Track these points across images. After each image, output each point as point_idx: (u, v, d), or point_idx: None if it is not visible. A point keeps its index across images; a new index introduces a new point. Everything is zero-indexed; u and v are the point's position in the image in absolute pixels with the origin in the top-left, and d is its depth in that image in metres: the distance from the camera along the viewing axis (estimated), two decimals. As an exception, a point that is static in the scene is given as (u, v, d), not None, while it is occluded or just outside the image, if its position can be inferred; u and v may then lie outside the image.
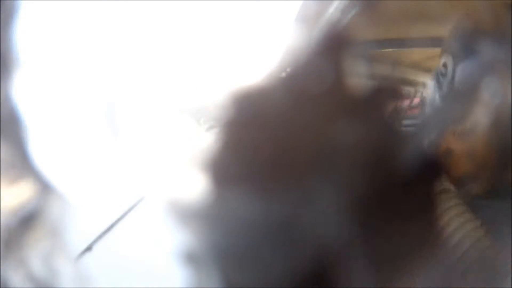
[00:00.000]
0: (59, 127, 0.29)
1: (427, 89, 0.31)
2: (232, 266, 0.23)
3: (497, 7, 0.27)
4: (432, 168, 0.23)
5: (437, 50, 0.32)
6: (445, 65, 0.30)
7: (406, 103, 0.32)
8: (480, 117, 0.29)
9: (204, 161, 0.23)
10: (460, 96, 0.29)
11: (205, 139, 0.26)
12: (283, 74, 0.23)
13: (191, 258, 0.24)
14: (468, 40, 0.28)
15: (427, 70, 0.32)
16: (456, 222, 0.34)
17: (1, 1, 0.28)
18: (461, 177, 0.33)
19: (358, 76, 0.25)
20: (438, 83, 0.31)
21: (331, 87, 0.23)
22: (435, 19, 0.29)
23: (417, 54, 0.32)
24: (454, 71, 0.30)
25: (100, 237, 0.31)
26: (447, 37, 0.30)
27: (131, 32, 0.29)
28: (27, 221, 0.28)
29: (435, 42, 0.31)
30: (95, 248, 0.30)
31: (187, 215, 0.24)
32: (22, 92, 0.28)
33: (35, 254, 0.28)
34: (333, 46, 0.23)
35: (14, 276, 0.28)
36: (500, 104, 0.28)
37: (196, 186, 0.23)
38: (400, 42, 0.31)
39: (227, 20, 0.30)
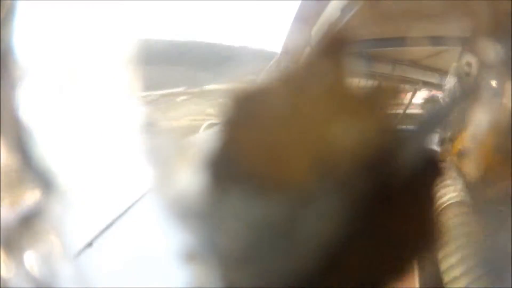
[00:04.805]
0: (59, 127, 0.30)
1: (446, 85, 0.31)
2: (232, 266, 0.23)
3: (496, 8, 0.27)
4: (433, 168, 0.23)
5: (437, 48, 0.32)
6: (468, 65, 0.30)
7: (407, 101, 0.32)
8: (484, 118, 0.29)
9: (204, 161, 0.23)
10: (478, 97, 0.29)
11: (204, 139, 0.26)
12: (283, 74, 0.23)
13: (191, 258, 0.24)
14: (497, 41, 0.28)
15: (427, 68, 0.32)
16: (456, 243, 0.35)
17: (1, 1, 0.28)
18: (475, 180, 0.32)
19: (358, 75, 0.25)
20: (461, 82, 0.30)
21: (331, 86, 0.23)
22: (435, 18, 0.29)
23: (417, 52, 0.32)
24: (480, 72, 0.29)
25: (99, 234, 0.31)
26: (472, 35, 0.29)
27: (127, 31, 0.29)
28: (27, 221, 0.28)
29: (435, 40, 0.31)
30: (95, 247, 0.30)
31: (187, 214, 0.24)
32: (23, 92, 0.29)
33: (35, 254, 0.28)
34: (333, 45, 0.23)
35: (14, 276, 0.28)
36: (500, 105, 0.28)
37: (195, 185, 0.23)
38: (400, 41, 0.31)
39: (227, 20, 0.30)
